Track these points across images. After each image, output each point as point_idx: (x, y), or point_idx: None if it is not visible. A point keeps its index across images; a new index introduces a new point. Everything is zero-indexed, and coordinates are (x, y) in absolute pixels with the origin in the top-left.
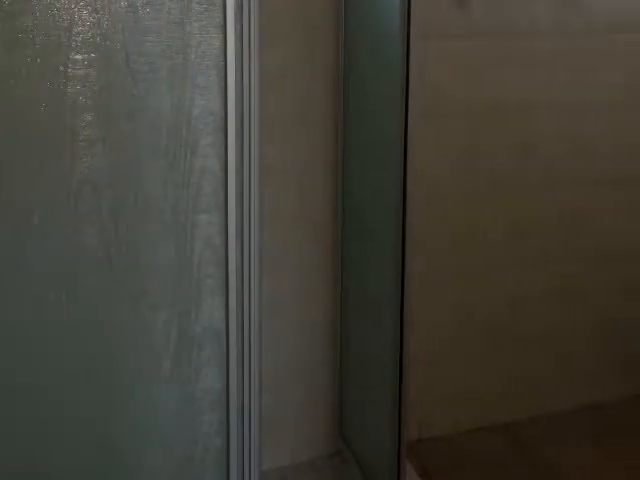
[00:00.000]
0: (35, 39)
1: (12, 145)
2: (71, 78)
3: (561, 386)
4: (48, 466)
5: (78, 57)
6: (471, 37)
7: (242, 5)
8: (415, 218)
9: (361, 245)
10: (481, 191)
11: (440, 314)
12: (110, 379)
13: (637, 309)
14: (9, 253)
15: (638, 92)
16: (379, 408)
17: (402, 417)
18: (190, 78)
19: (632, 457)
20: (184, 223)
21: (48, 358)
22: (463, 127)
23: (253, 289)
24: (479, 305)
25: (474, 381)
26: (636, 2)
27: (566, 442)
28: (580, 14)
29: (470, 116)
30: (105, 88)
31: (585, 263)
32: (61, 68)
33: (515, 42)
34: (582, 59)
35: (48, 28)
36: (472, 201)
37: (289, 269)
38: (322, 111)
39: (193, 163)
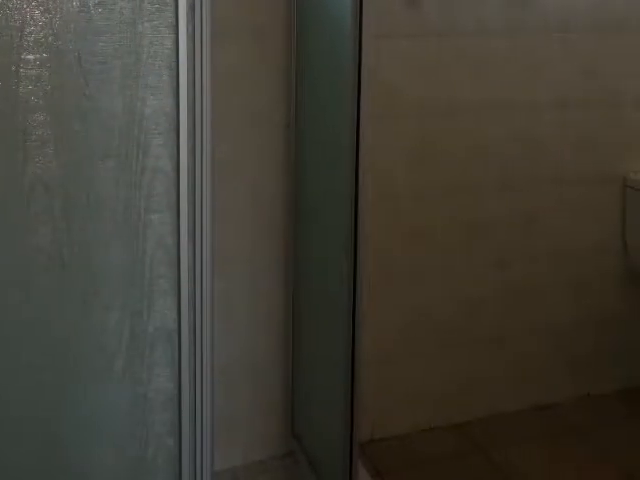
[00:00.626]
0: None
1: None
2: (23, 78)
3: (513, 386)
4: None
5: (30, 57)
6: (422, 37)
7: (194, 5)
8: (367, 217)
9: (314, 244)
10: (435, 191)
11: (393, 314)
12: (62, 379)
13: (587, 309)
14: None
15: (589, 91)
16: (331, 408)
17: (354, 417)
18: (142, 78)
19: (583, 458)
20: (136, 223)
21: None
22: (416, 127)
23: (205, 289)
24: (433, 305)
25: (427, 381)
26: (584, 2)
27: (518, 442)
28: (530, 13)
29: (423, 115)
30: (57, 88)
31: (537, 263)
32: (13, 68)
33: (466, 42)
34: (533, 58)
35: (0, 28)
36: (426, 201)
37: (241, 269)
38: (274, 110)
39: (145, 163)
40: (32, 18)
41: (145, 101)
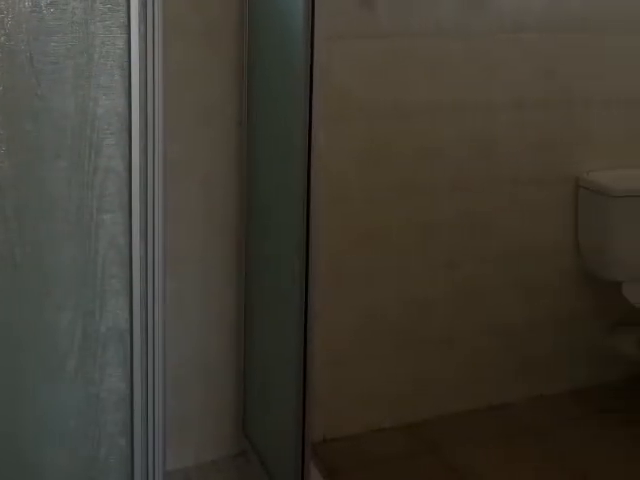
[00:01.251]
0: None
1: None
2: None
3: (466, 387)
4: None
5: None
6: (376, 38)
7: (146, 5)
8: (320, 218)
9: (266, 244)
10: (388, 192)
11: (346, 314)
12: (14, 379)
13: (540, 309)
14: None
15: (544, 91)
16: (283, 408)
17: (306, 417)
18: (94, 78)
19: (537, 458)
20: (88, 223)
21: None
22: (369, 128)
23: (157, 289)
24: (385, 306)
25: (380, 381)
26: (540, 2)
27: (471, 443)
28: (485, 14)
29: (376, 117)
30: (9, 88)
31: (490, 264)
32: None
33: (421, 42)
34: (488, 59)
35: None
36: (379, 202)
37: (193, 268)
38: (226, 108)
39: (97, 163)
40: None
41: (97, 101)
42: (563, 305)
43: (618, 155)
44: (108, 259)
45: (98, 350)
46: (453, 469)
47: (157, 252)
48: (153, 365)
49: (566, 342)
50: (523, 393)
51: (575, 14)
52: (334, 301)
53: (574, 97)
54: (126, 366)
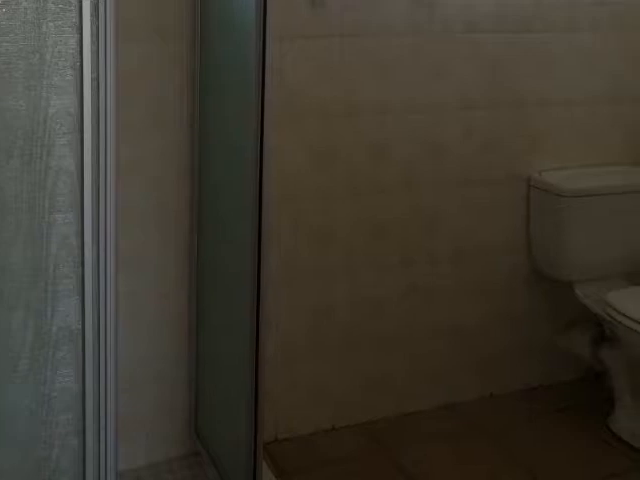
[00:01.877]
0: None
1: None
2: None
3: (419, 386)
4: None
5: None
6: (327, 37)
7: (98, 5)
8: (271, 218)
9: (217, 245)
10: (339, 191)
11: (298, 314)
12: None
13: (492, 309)
14: None
15: (494, 91)
16: (235, 408)
17: (258, 417)
18: (46, 78)
19: (488, 458)
20: (40, 223)
21: None
22: (320, 127)
23: (109, 289)
24: (338, 305)
25: (332, 381)
26: (489, 2)
27: (423, 442)
28: (435, 15)
29: (327, 117)
30: None
31: (441, 263)
32: None
33: (371, 42)
34: (437, 59)
35: None
36: (330, 202)
37: (145, 269)
38: (178, 111)
39: (49, 163)
40: None
41: (49, 101)
42: (516, 305)
43: (569, 155)
44: (60, 259)
45: (50, 350)
46: (404, 469)
47: (109, 252)
48: (105, 365)
49: (519, 341)
50: (476, 392)
51: (524, 14)
52: (286, 300)
53: (525, 97)
54: (78, 366)
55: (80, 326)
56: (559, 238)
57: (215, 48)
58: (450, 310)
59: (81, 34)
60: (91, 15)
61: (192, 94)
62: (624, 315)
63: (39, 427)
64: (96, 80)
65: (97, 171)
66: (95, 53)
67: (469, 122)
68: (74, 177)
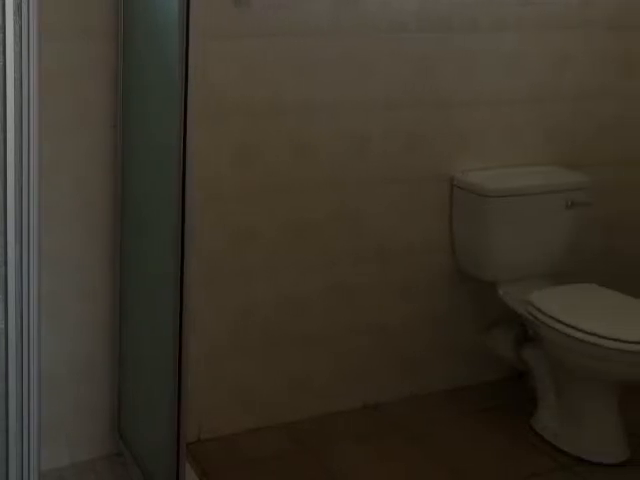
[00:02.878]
0: None
1: None
2: None
3: (343, 386)
4: None
5: None
6: (251, 37)
7: (21, 5)
8: (194, 218)
9: (141, 245)
10: (263, 190)
11: (221, 314)
12: None
13: (416, 308)
14: None
15: (417, 91)
16: (158, 408)
17: (181, 417)
18: None
19: (412, 457)
20: None
21: None
22: (244, 127)
23: (32, 289)
24: (261, 304)
25: (255, 381)
26: (415, 2)
27: (348, 442)
28: (361, 14)
29: (251, 116)
30: None
31: (365, 263)
32: None
33: (295, 42)
34: (362, 59)
35: None
36: (254, 201)
37: (69, 269)
38: (102, 110)
39: None
40: None
41: None
42: (440, 305)
43: (493, 155)
44: None
45: None
46: (328, 469)
47: (32, 252)
48: (28, 365)
49: (443, 341)
50: (399, 392)
51: (449, 15)
52: (210, 300)
53: (450, 97)
54: (0, 366)
55: (3, 326)
56: (482, 238)
57: (139, 48)
58: (374, 310)
59: (4, 34)
60: (14, 14)
61: (116, 93)
62: (547, 315)
63: None
64: (19, 80)
65: (20, 171)
66: (18, 53)
67: (394, 121)
68: None
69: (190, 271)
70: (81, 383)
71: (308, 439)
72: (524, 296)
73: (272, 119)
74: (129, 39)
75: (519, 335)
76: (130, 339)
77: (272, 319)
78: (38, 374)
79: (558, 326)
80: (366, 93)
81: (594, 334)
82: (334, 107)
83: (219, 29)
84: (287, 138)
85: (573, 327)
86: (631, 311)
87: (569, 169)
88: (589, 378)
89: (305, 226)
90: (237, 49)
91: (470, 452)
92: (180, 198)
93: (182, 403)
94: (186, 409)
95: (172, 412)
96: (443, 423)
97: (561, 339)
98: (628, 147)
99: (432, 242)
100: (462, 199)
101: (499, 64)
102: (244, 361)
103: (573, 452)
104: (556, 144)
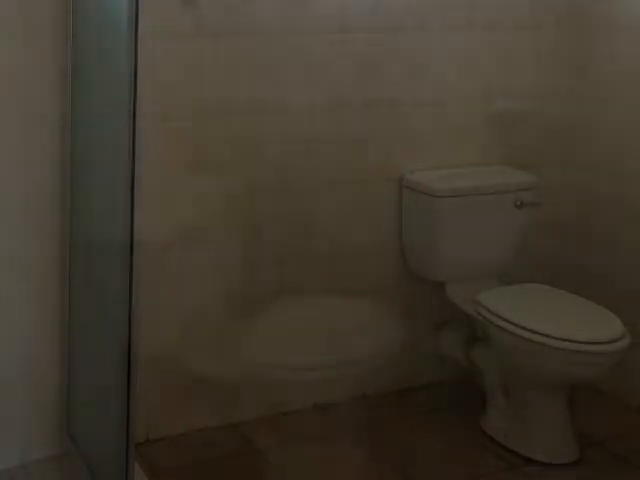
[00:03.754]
0: None
1: None
2: None
3: (291, 386)
4: None
5: None
6: (198, 37)
7: None
8: (142, 217)
9: (89, 244)
10: (210, 191)
11: (169, 313)
12: None
13: (362, 310)
14: None
15: (366, 91)
16: (107, 408)
17: (130, 417)
18: None
19: (359, 457)
20: None
21: None
22: (191, 128)
23: None
24: (209, 304)
25: (204, 381)
26: (364, 3)
27: (296, 442)
28: (309, 14)
29: (200, 116)
30: None
31: (313, 264)
32: None
33: (243, 42)
34: (310, 59)
35: None
36: (200, 201)
37: (16, 269)
38: (50, 110)
39: None
40: None
41: None
42: (389, 305)
43: (442, 154)
44: None
45: None
46: (276, 469)
47: None
48: None
49: (392, 342)
50: (349, 393)
51: (398, 14)
52: (158, 299)
53: (399, 97)
54: None
55: None
56: (431, 238)
57: (88, 48)
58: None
59: None
60: None
61: (64, 92)
62: (495, 315)
63: None
64: None
65: None
66: None
67: (342, 121)
68: None
69: (139, 270)
70: (30, 383)
71: (257, 439)
72: (473, 296)
73: (221, 119)
74: (78, 39)
75: (468, 335)
76: (80, 338)
77: (221, 318)
78: None
79: (506, 326)
80: (314, 93)
81: (542, 334)
82: (283, 107)
83: (168, 29)
84: (235, 138)
85: (521, 327)
86: (580, 311)
87: (518, 169)
88: (538, 378)
89: (254, 227)
90: (186, 49)
91: (420, 453)
92: (129, 198)
93: (131, 403)
94: (134, 409)
95: (121, 412)
96: (392, 424)
97: (509, 339)
98: (577, 148)
99: (381, 242)
100: (411, 199)
101: (448, 64)
102: (193, 360)
103: (523, 452)
104: (505, 144)
